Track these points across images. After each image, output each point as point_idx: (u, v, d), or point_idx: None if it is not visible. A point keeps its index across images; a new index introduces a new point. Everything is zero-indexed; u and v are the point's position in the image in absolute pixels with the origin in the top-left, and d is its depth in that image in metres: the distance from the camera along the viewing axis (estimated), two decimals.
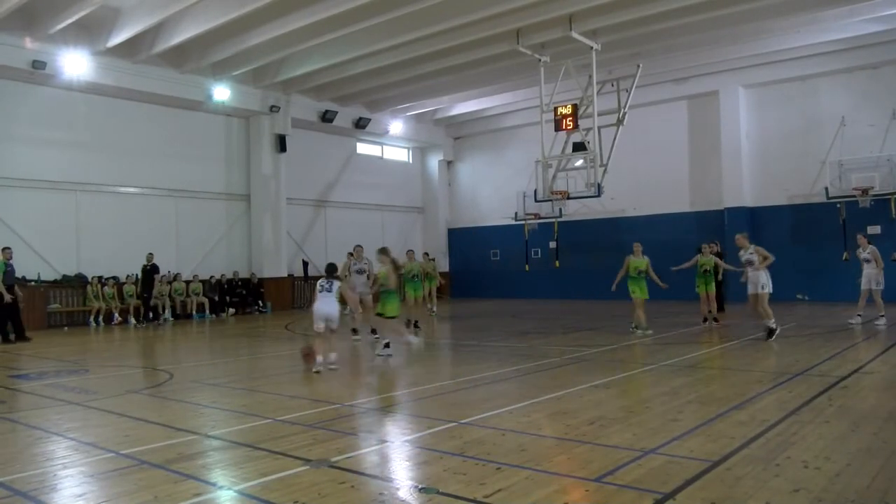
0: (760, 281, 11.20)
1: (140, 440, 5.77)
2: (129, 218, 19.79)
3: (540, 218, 25.14)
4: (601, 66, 17.75)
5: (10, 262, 14.51)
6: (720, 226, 21.92)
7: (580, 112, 16.78)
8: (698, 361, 9.88)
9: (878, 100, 19.81)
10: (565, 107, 16.85)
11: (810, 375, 8.25)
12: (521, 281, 26.45)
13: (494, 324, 16.44)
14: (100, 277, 18.51)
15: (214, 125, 22.28)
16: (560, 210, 24.23)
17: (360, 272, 12.47)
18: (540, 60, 17.84)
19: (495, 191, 27.40)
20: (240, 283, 21.92)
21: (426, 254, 16.46)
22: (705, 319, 14.40)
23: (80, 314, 18.58)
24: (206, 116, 21.80)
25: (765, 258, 11.37)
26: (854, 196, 19.50)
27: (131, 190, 20.16)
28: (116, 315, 18.65)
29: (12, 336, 14.45)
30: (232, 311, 21.22)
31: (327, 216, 25.74)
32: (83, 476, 4.88)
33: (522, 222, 25.67)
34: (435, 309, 19.20)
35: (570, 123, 16.75)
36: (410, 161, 29.67)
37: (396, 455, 5.38)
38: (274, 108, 22.25)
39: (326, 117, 24.03)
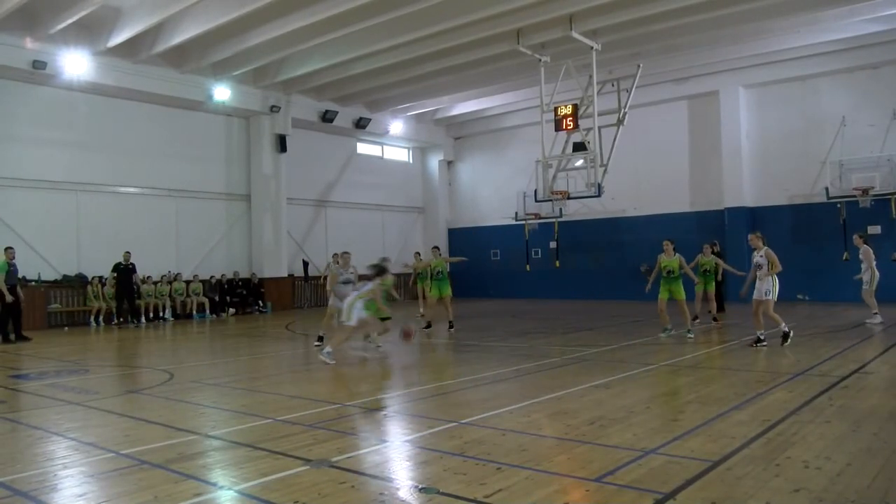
0: (764, 288, 10.72)
1: (140, 440, 5.77)
2: (129, 218, 19.79)
3: (540, 218, 25.16)
4: (601, 66, 17.75)
5: (13, 261, 14.52)
6: (720, 226, 21.94)
7: (580, 112, 16.78)
8: (699, 361, 9.88)
9: (879, 100, 19.80)
10: (565, 107, 16.84)
11: (811, 375, 8.24)
12: (521, 281, 26.45)
13: (495, 324, 16.43)
14: (100, 277, 18.50)
15: (215, 125, 22.29)
16: (560, 210, 24.25)
17: (346, 282, 11.53)
18: (540, 60, 17.84)
19: (496, 191, 27.41)
20: (240, 283, 21.92)
21: (436, 248, 16.35)
22: (695, 318, 14.52)
23: (81, 314, 18.59)
24: (206, 116, 21.81)
25: (773, 265, 10.73)
26: (854, 196, 19.50)
27: (132, 190, 20.17)
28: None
29: (12, 336, 14.46)
30: (232, 311, 21.22)
31: (328, 216, 25.74)
32: (83, 476, 4.88)
33: (523, 222, 25.69)
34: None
35: (571, 123, 16.74)
36: (411, 161, 29.67)
37: (397, 455, 5.38)
38: (274, 108, 22.25)
39: (327, 117, 24.03)
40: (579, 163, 17.54)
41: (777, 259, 10.68)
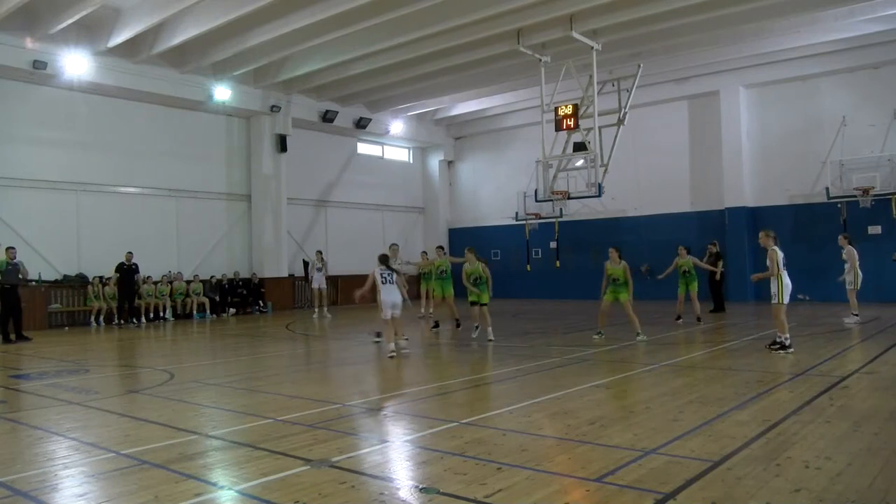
0: (771, 290, 10.15)
1: (141, 440, 5.77)
2: (129, 218, 19.80)
3: (541, 218, 25.16)
4: (602, 65, 17.74)
5: (13, 261, 14.52)
6: (721, 226, 21.96)
7: (581, 112, 16.76)
8: (699, 361, 9.87)
9: (879, 100, 19.80)
10: (566, 107, 16.83)
11: (811, 375, 8.24)
12: (521, 281, 26.43)
13: (495, 324, 16.31)
14: (101, 277, 18.50)
15: (215, 125, 22.29)
16: (561, 210, 24.25)
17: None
18: (541, 60, 17.84)
19: (496, 191, 27.42)
20: (240, 283, 21.92)
21: (440, 247, 16.37)
22: (678, 318, 14.84)
23: (81, 314, 18.59)
24: (206, 116, 21.81)
25: (769, 266, 10.21)
26: (855, 196, 19.50)
27: (132, 190, 20.17)
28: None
29: (13, 336, 14.46)
30: (232, 311, 21.22)
31: (328, 216, 25.75)
32: (84, 476, 4.89)
33: (523, 222, 25.68)
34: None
35: (571, 123, 16.73)
36: (411, 161, 29.67)
37: (397, 455, 5.38)
38: (275, 108, 22.26)
39: (327, 117, 24.03)
40: (580, 163, 17.53)
41: (772, 260, 10.09)
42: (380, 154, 28.31)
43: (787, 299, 10.10)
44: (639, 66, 17.98)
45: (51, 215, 18.32)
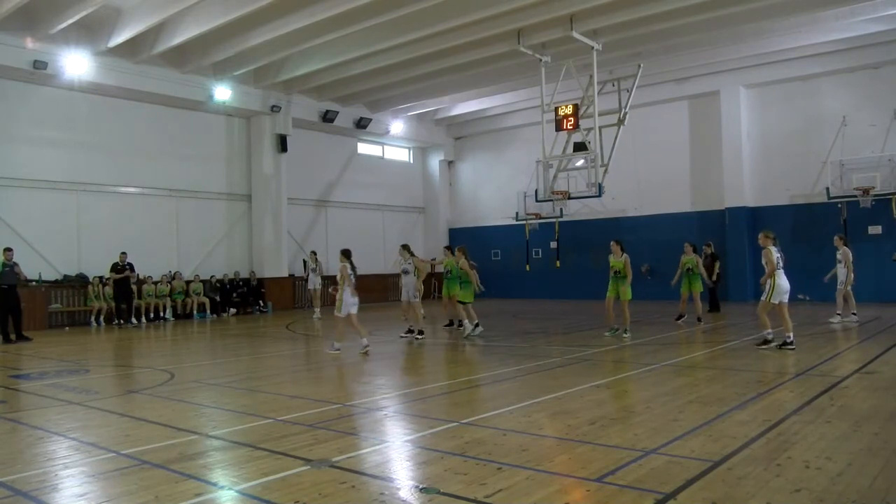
0: (766, 287, 10.39)
1: (141, 440, 5.77)
2: (130, 218, 19.80)
3: (541, 218, 25.14)
4: (602, 66, 17.74)
5: (10, 262, 14.49)
6: (721, 226, 21.96)
7: (581, 112, 16.76)
8: (699, 361, 9.87)
9: (879, 99, 19.80)
10: (566, 107, 16.82)
11: (811, 375, 8.24)
12: (521, 281, 26.43)
13: (495, 324, 16.42)
14: (101, 277, 18.50)
15: (215, 125, 22.29)
16: (561, 210, 24.23)
17: (405, 272, 13.78)
18: (541, 60, 17.84)
19: (496, 191, 27.41)
20: (241, 282, 21.93)
21: (447, 247, 16.43)
22: (680, 317, 14.91)
23: (82, 314, 18.59)
24: (207, 116, 21.82)
25: (765, 265, 10.40)
26: (855, 196, 19.49)
27: (132, 190, 20.17)
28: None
29: (13, 336, 14.46)
30: (233, 311, 21.22)
31: (328, 216, 25.75)
32: (84, 476, 4.88)
33: (523, 222, 25.66)
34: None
35: (571, 123, 16.72)
36: (411, 161, 29.67)
37: (397, 455, 5.38)
38: (275, 108, 22.26)
39: (327, 117, 24.03)
40: (580, 163, 17.53)
41: (766, 261, 10.32)
42: (380, 154, 28.32)
43: (784, 299, 10.29)
44: (639, 66, 17.97)
45: (51, 215, 18.32)
